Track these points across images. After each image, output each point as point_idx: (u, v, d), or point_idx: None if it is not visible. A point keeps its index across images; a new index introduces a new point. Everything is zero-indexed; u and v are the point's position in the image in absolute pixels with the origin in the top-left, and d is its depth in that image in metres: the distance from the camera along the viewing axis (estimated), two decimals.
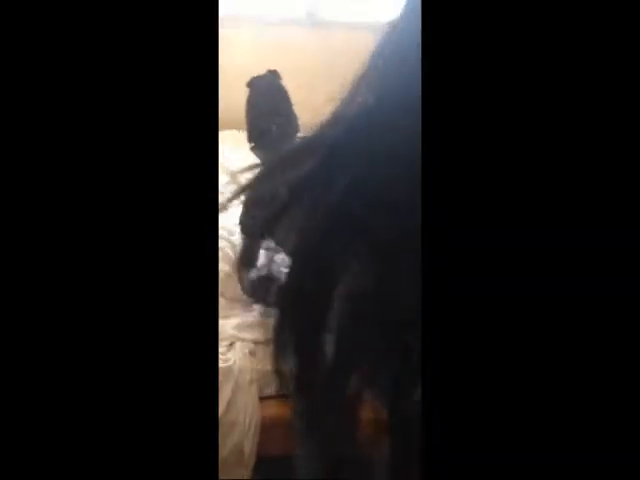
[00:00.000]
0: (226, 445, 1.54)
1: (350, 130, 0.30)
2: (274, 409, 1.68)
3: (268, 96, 1.89)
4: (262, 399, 1.68)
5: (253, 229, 1.91)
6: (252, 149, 1.90)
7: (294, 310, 0.33)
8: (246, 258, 1.89)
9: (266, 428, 1.64)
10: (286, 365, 0.34)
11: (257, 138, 1.86)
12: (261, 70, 3.13)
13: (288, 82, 3.17)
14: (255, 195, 0.36)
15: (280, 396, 1.70)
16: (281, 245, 0.32)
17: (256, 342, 1.73)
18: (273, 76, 1.92)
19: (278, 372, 0.35)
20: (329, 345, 0.31)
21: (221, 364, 1.60)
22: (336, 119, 0.32)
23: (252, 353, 1.72)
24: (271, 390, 1.69)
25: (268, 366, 1.71)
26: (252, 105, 1.89)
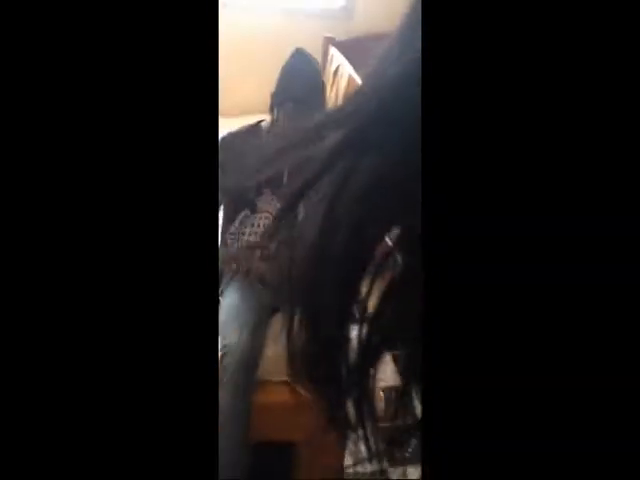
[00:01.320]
0: None
1: (378, 103, 0.29)
2: None
3: (315, 74, 1.84)
4: None
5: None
6: (277, 112, 1.82)
7: (314, 294, 0.31)
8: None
9: None
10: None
11: (294, 107, 1.78)
12: None
13: None
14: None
15: None
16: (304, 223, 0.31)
17: None
18: (316, 60, 1.88)
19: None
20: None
21: None
22: (362, 92, 0.31)
23: None
24: None
25: None
26: (299, 75, 1.82)
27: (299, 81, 1.81)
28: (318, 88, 1.84)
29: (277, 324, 1.81)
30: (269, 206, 1.89)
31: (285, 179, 1.47)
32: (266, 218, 1.89)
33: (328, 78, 3.00)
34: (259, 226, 1.89)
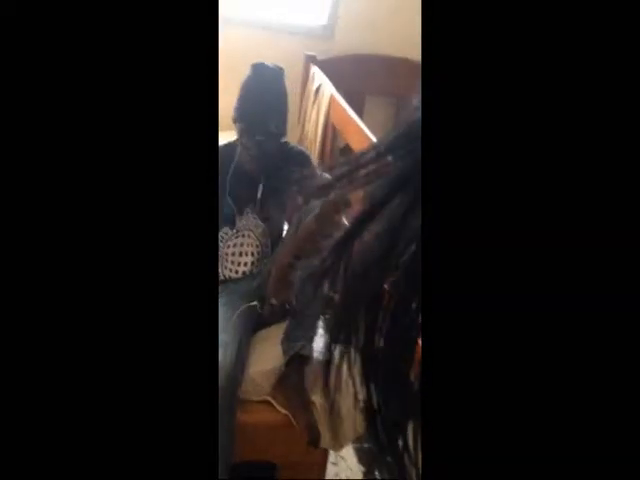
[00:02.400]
0: None
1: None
2: None
3: (274, 88, 1.83)
4: None
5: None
6: (238, 126, 1.83)
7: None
8: None
9: None
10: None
11: (250, 125, 1.79)
12: None
13: None
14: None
15: None
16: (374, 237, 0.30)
17: None
18: (281, 71, 1.86)
19: None
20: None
21: None
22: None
23: None
24: None
25: None
26: (256, 90, 1.81)
27: (259, 95, 1.80)
28: (279, 100, 1.83)
29: (258, 342, 1.80)
30: (250, 223, 1.88)
31: (259, 195, 1.46)
32: (249, 236, 1.89)
33: (309, 96, 3.01)
34: (242, 245, 1.88)
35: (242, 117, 1.79)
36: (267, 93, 1.81)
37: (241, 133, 1.81)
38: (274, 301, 1.70)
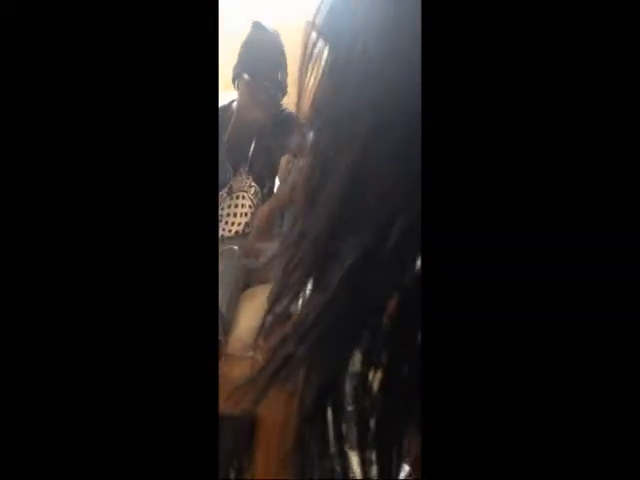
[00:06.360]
0: None
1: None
2: None
3: (274, 44, 1.88)
4: None
5: None
6: (236, 84, 1.88)
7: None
8: None
9: None
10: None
11: (257, 73, 1.84)
12: None
13: None
14: None
15: None
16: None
17: None
18: (277, 34, 1.91)
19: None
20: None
21: None
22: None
23: None
24: None
25: None
26: (259, 44, 1.86)
27: (256, 53, 1.85)
28: (276, 59, 1.87)
29: (246, 300, 1.83)
30: (244, 184, 1.92)
31: (250, 153, 1.49)
32: (243, 198, 1.93)
33: (307, 62, 3.00)
34: (236, 206, 1.93)
35: (246, 68, 1.82)
36: (269, 47, 1.85)
37: (247, 83, 1.83)
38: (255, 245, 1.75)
